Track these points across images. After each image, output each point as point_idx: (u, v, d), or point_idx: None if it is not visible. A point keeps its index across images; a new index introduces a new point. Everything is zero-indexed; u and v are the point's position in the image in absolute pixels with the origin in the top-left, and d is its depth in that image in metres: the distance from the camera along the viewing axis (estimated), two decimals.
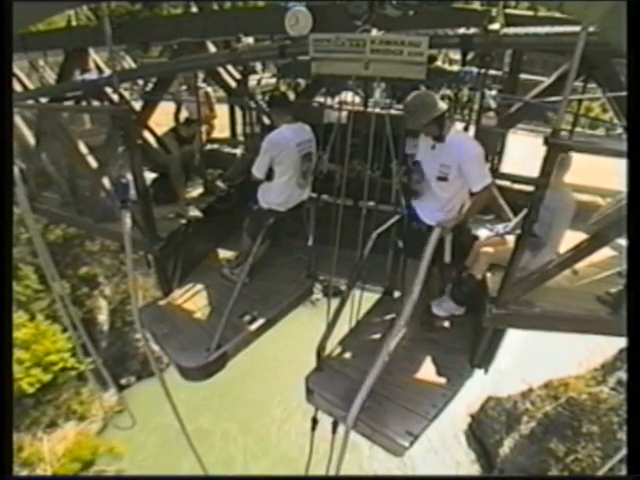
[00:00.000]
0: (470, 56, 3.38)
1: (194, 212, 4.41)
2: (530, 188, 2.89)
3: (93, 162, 4.11)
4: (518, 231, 3.12)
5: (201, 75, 5.98)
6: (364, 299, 3.66)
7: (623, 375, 10.89)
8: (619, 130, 5.87)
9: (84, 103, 4.44)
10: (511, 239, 3.35)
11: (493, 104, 3.95)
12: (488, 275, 3.23)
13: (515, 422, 12.01)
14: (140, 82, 7.79)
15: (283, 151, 3.55)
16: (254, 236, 3.83)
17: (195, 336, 3.69)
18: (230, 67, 5.08)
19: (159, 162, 4.74)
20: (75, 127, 4.95)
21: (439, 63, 4.87)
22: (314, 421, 3.71)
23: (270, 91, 4.34)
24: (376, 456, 11.19)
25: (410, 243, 3.51)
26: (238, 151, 5.39)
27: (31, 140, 4.73)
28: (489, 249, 3.30)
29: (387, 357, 3.06)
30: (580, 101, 4.07)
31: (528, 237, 2.67)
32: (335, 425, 3.40)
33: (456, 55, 5.17)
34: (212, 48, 4.76)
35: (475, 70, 3.32)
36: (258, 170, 3.67)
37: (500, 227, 3.64)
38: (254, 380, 13.16)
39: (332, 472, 3.53)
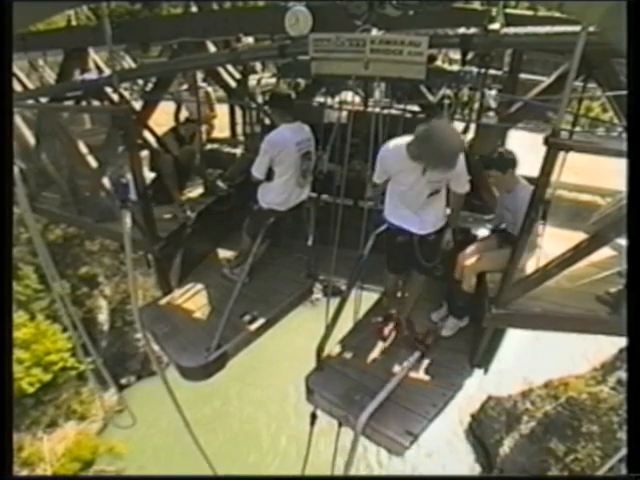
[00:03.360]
0: (470, 56, 3.38)
1: (190, 214, 4.40)
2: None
3: (93, 162, 4.11)
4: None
5: (201, 75, 5.98)
6: (364, 299, 3.67)
7: (623, 375, 10.90)
8: (619, 129, 5.87)
9: (84, 103, 4.44)
10: (494, 242, 3.39)
11: (493, 104, 3.96)
12: (488, 275, 3.23)
13: (515, 422, 12.02)
14: (140, 82, 7.79)
15: (283, 151, 3.54)
16: (254, 236, 3.83)
17: (195, 336, 3.69)
18: (230, 67, 5.08)
19: (153, 163, 4.76)
20: (75, 127, 4.95)
21: (439, 63, 4.87)
22: (313, 416, 3.71)
23: (271, 90, 4.33)
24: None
25: (396, 256, 3.42)
26: (238, 151, 5.39)
27: (31, 140, 4.73)
28: (471, 262, 3.30)
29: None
30: (580, 101, 4.07)
31: (527, 237, 2.67)
32: (340, 424, 3.40)
33: (456, 55, 5.17)
34: (212, 48, 4.75)
35: (475, 70, 3.32)
36: (258, 170, 3.65)
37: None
38: (255, 376, 13.37)
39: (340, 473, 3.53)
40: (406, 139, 2.91)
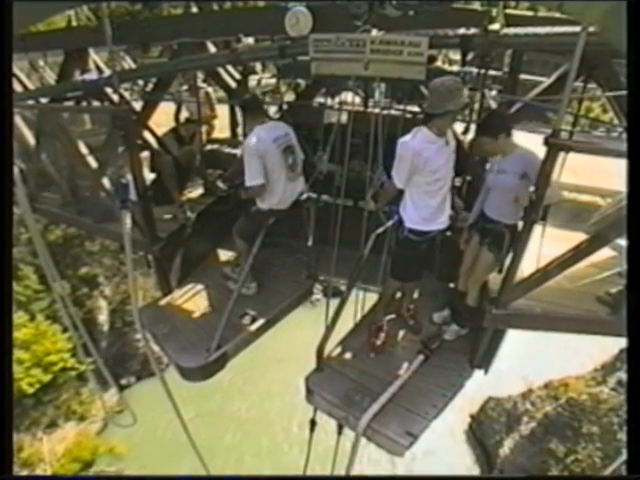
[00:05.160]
0: (470, 56, 3.37)
1: (190, 214, 4.40)
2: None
3: (93, 162, 4.11)
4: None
5: (201, 75, 5.98)
6: (364, 299, 3.66)
7: (623, 375, 10.90)
8: (619, 130, 5.88)
9: (84, 103, 4.44)
10: (476, 243, 3.30)
11: (493, 104, 3.95)
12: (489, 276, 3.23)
13: (515, 422, 12.02)
14: (140, 82, 7.79)
15: (265, 151, 3.49)
16: (251, 237, 3.80)
17: (195, 336, 3.69)
18: (230, 67, 5.07)
19: (153, 164, 4.76)
20: (75, 127, 4.95)
21: (439, 63, 4.87)
22: (312, 423, 3.71)
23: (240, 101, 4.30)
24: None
25: (414, 263, 3.37)
26: (238, 152, 5.38)
27: (31, 140, 4.73)
28: (478, 277, 3.25)
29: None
30: (580, 101, 4.07)
31: (528, 238, 2.67)
32: (341, 427, 3.39)
33: (456, 55, 5.17)
34: (212, 48, 4.76)
35: (475, 70, 3.32)
36: (256, 178, 3.49)
37: None
38: (256, 374, 13.54)
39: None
40: (420, 131, 2.91)
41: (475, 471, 12.09)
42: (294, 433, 12.14)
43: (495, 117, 3.02)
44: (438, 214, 3.11)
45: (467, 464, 12.24)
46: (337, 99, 3.99)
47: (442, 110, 2.77)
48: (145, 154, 4.62)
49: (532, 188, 2.68)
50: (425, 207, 3.05)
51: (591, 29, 1.99)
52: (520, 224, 2.85)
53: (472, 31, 2.86)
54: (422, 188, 3.01)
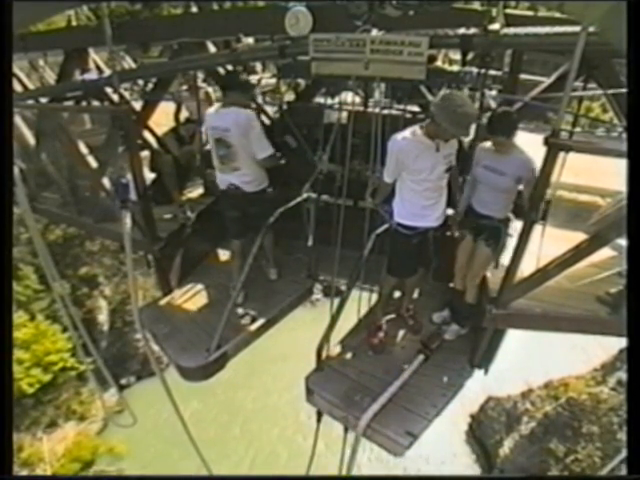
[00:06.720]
0: (470, 56, 3.37)
1: (190, 214, 4.40)
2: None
3: (93, 162, 4.11)
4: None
5: (201, 75, 5.97)
6: (364, 299, 3.66)
7: (623, 375, 10.90)
8: (619, 130, 5.88)
9: (84, 103, 4.44)
10: (469, 240, 3.31)
11: (493, 104, 3.95)
12: (488, 275, 3.23)
13: (515, 422, 12.03)
14: (140, 82, 7.78)
15: (206, 129, 3.62)
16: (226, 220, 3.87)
17: (195, 336, 3.69)
18: (230, 67, 5.07)
19: (153, 164, 4.76)
20: (75, 127, 4.95)
21: (439, 63, 4.87)
22: (319, 414, 3.69)
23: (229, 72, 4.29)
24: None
25: (406, 259, 3.37)
26: None
27: (31, 140, 4.72)
28: (476, 273, 3.26)
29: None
30: (580, 101, 4.07)
31: (528, 238, 2.67)
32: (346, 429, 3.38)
33: (456, 55, 5.17)
34: (212, 48, 4.75)
35: (475, 70, 3.32)
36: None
37: None
38: (257, 370, 13.62)
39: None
40: (412, 128, 2.92)
41: (475, 471, 12.10)
42: (303, 422, 12.23)
43: (508, 116, 2.97)
44: (427, 212, 3.10)
45: (467, 464, 12.25)
46: (337, 99, 3.98)
47: (442, 125, 2.72)
48: (145, 154, 4.62)
49: (520, 187, 2.88)
50: (413, 204, 3.07)
51: (591, 29, 1.99)
52: (512, 218, 3.01)
53: (472, 31, 2.86)
54: (409, 185, 3.03)
